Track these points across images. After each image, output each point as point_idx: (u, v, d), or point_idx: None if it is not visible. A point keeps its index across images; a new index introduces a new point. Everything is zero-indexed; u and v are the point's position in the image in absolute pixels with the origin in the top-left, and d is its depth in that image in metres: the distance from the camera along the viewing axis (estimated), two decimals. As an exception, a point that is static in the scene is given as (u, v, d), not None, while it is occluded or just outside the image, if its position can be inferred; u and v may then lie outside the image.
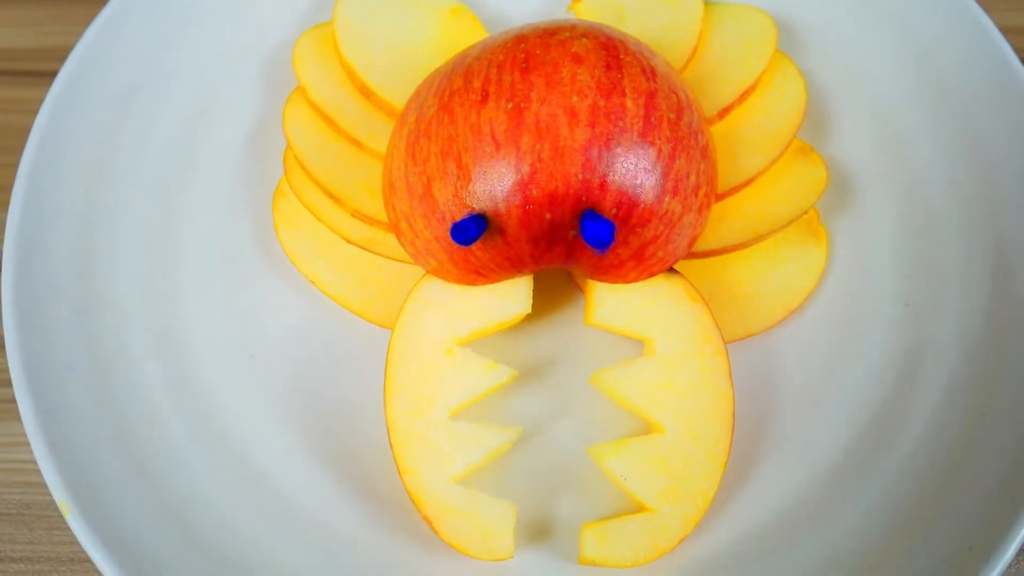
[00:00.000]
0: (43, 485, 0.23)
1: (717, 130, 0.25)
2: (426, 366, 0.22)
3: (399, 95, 0.25)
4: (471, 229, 0.20)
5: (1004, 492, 0.20)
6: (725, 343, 0.22)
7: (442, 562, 0.21)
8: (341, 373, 0.23)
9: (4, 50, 0.30)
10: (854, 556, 0.20)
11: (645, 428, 0.22)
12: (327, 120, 0.26)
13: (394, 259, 0.24)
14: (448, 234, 0.21)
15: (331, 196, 0.24)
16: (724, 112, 0.25)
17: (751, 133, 0.25)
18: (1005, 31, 0.26)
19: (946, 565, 0.19)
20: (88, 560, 0.23)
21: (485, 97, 0.21)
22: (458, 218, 0.21)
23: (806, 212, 0.24)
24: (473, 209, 0.20)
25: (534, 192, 0.20)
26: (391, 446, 0.21)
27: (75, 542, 0.23)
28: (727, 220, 0.24)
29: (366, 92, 0.26)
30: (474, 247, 0.21)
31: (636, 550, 0.21)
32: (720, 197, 0.24)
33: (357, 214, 0.24)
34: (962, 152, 0.24)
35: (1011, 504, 0.20)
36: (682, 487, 0.21)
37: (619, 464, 0.21)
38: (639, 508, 0.21)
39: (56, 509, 0.23)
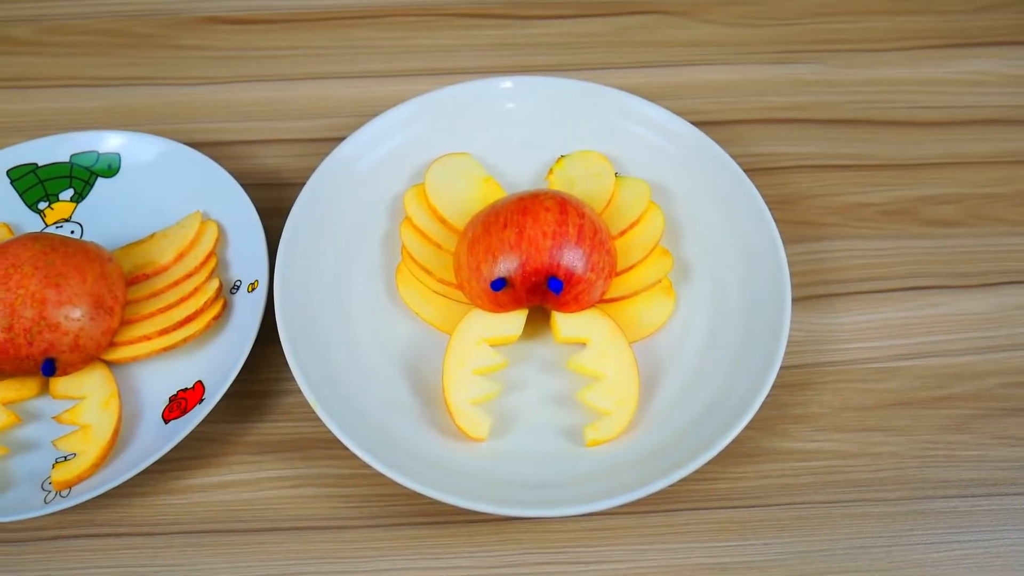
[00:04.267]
0: (295, 426, 0.47)
1: (619, 241, 0.49)
2: (465, 349, 0.45)
3: (459, 222, 0.49)
4: (499, 284, 0.44)
5: (748, 388, 0.43)
6: (628, 341, 0.46)
7: (462, 442, 0.43)
8: (426, 353, 0.46)
9: (271, 170, 0.55)
10: (685, 425, 0.43)
11: (596, 379, 0.45)
12: (422, 234, 0.50)
13: (459, 301, 0.47)
14: (488, 287, 0.45)
15: (424, 270, 0.48)
16: (622, 232, 0.49)
17: (635, 242, 0.49)
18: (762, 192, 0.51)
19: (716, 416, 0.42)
20: (320, 440, 0.46)
21: (506, 225, 0.45)
22: (492, 280, 0.44)
23: (660, 281, 0.48)
24: (500, 275, 0.44)
25: (528, 268, 0.44)
26: (443, 385, 0.44)
27: (312, 433, 0.46)
28: (622, 283, 0.48)
29: (441, 219, 0.50)
30: (499, 293, 0.45)
31: (608, 431, 0.43)
32: (619, 273, 0.48)
33: (439, 279, 0.48)
34: (740, 254, 0.49)
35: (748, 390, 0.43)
36: (621, 401, 0.43)
37: (591, 394, 0.44)
38: (604, 413, 0.43)
39: (304, 433, 0.46)
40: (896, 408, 0.47)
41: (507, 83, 0.54)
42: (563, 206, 0.45)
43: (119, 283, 0.47)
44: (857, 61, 0.60)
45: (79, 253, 0.46)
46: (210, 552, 0.42)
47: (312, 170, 0.51)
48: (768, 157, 0.56)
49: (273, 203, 0.53)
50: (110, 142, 0.53)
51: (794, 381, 0.47)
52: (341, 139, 0.53)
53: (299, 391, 0.47)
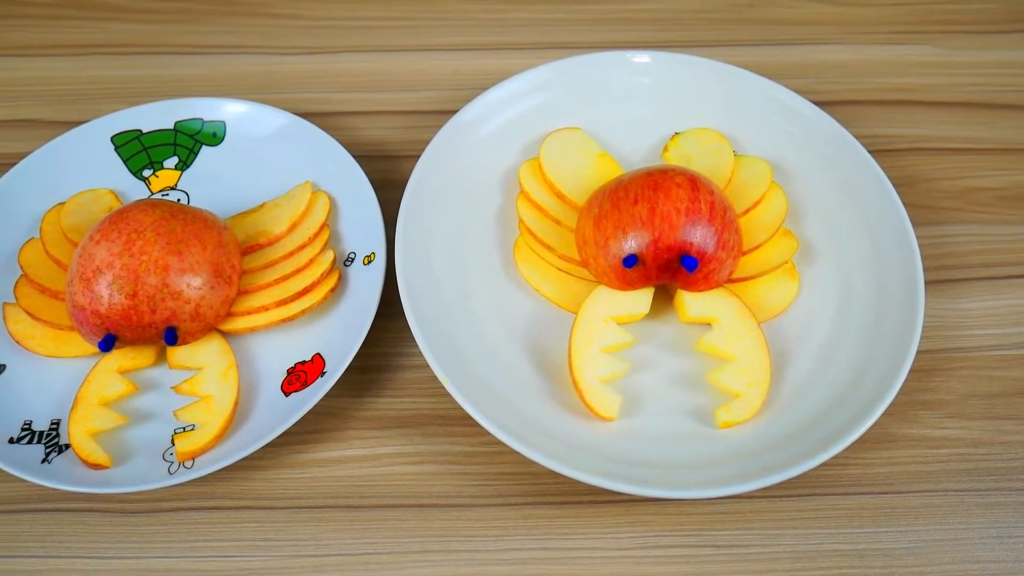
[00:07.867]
0: (413, 401, 0.46)
1: (743, 221, 0.48)
2: (593, 327, 0.44)
3: (577, 197, 0.48)
4: (631, 261, 0.43)
5: (882, 373, 0.42)
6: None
7: (589, 421, 0.42)
8: (548, 330, 0.45)
9: (376, 142, 0.54)
10: (819, 408, 0.42)
11: (725, 360, 0.44)
12: (539, 208, 0.49)
13: (580, 278, 0.46)
14: (619, 264, 0.44)
15: (545, 246, 0.47)
16: (745, 212, 0.48)
17: (758, 223, 0.48)
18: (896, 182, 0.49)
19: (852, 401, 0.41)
20: (439, 416, 0.45)
21: (636, 201, 0.44)
22: (623, 257, 0.43)
23: (786, 263, 0.47)
24: (631, 252, 0.43)
25: (660, 245, 0.43)
26: (569, 363, 0.43)
27: (431, 409, 0.45)
28: (745, 264, 0.47)
29: (559, 195, 0.49)
30: (629, 270, 0.44)
31: (741, 413, 0.42)
32: (745, 253, 0.47)
33: (560, 256, 0.47)
34: (866, 237, 0.48)
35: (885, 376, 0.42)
36: (753, 383, 0.42)
37: (722, 375, 0.43)
38: (735, 395, 0.43)
39: (422, 409, 0.45)
40: (1026, 396, 0.46)
41: (642, 57, 0.52)
42: (694, 183, 0.44)
43: (236, 252, 0.46)
44: (970, 43, 0.59)
45: (198, 220, 0.45)
46: (334, 527, 0.42)
47: (421, 142, 0.50)
48: (881, 139, 0.55)
49: (379, 175, 0.52)
50: (215, 110, 0.52)
51: (921, 367, 0.46)
52: (445, 112, 0.52)
53: (416, 366, 0.46)
